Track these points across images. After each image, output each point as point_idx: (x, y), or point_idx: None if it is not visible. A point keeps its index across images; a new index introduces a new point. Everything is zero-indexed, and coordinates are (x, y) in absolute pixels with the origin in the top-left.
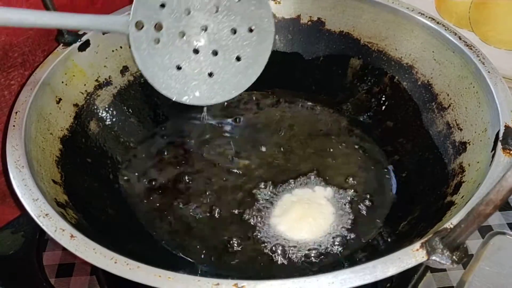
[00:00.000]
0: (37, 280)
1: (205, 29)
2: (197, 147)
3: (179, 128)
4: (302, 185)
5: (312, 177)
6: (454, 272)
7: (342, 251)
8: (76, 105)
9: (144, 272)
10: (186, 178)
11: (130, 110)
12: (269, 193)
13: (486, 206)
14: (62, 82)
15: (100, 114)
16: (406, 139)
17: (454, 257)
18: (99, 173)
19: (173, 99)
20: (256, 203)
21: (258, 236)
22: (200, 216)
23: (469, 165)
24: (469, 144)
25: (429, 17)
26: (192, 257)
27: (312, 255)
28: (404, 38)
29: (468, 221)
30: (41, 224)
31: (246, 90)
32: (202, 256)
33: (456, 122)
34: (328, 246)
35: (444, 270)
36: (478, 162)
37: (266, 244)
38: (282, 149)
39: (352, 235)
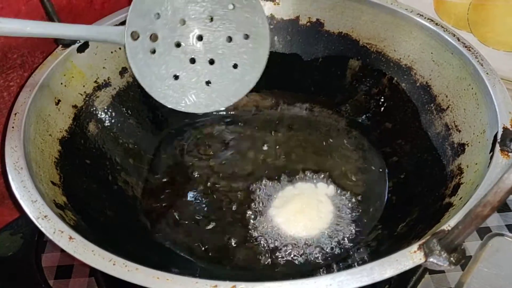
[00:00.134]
0: (36, 282)
1: (200, 38)
2: (196, 148)
3: (178, 129)
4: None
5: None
6: (453, 273)
7: (339, 251)
8: (75, 106)
9: (143, 274)
10: (185, 178)
11: (129, 111)
12: (268, 192)
13: (483, 208)
14: (61, 84)
15: (99, 115)
16: (404, 140)
17: (451, 258)
18: (98, 175)
19: (171, 108)
20: (255, 202)
21: (255, 235)
22: (200, 216)
23: (467, 167)
24: (468, 146)
25: (428, 18)
26: (192, 257)
27: (309, 253)
28: (403, 39)
29: (465, 222)
30: (39, 226)
31: None
32: (202, 255)
33: (454, 123)
34: (324, 246)
35: (443, 271)
36: (476, 164)
37: (263, 240)
38: (281, 150)
39: (350, 235)
